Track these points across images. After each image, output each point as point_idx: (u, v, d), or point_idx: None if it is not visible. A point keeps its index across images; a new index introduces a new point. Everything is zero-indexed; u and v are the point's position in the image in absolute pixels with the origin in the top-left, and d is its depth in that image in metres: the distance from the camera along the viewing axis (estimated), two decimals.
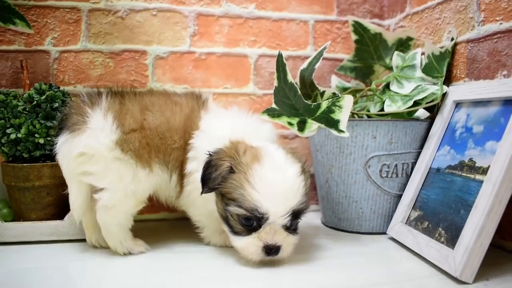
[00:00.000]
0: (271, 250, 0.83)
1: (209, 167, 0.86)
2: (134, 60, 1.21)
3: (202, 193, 0.86)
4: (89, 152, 0.89)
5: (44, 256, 0.93)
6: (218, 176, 0.84)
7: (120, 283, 0.79)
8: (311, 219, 1.23)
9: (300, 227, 0.90)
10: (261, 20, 1.28)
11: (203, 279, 0.81)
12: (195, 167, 0.91)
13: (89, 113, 0.91)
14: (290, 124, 0.96)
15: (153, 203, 1.03)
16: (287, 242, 0.84)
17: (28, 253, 0.94)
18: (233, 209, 0.83)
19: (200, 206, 0.95)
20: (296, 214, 0.85)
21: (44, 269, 0.85)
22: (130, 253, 0.93)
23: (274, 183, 0.82)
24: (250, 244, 0.83)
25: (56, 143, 0.93)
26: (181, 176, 0.95)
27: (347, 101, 0.93)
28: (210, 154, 0.87)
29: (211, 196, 0.89)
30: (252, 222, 0.83)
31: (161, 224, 1.19)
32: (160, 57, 1.22)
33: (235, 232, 0.85)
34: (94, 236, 0.97)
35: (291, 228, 0.85)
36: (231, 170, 0.84)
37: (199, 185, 0.87)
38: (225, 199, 0.85)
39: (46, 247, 0.98)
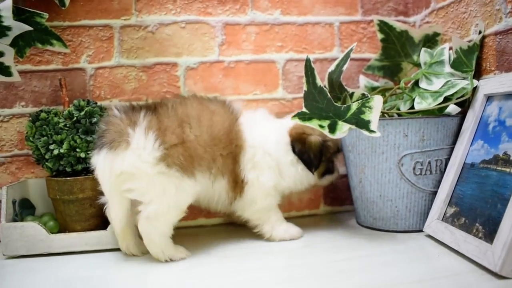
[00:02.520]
0: None
1: (314, 156, 1.07)
2: (166, 72, 1.25)
3: (313, 172, 1.08)
4: (132, 171, 0.91)
5: (89, 265, 0.96)
6: (320, 156, 1.08)
7: None
8: (347, 219, 1.24)
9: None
10: (287, 25, 1.30)
11: (243, 283, 0.83)
12: (255, 176, 1.04)
13: (130, 132, 0.92)
14: (321, 126, 0.97)
15: (190, 211, 1.05)
16: None
17: (74, 263, 0.98)
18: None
19: (261, 201, 1.05)
20: None
21: (90, 278, 0.89)
22: (171, 260, 0.95)
23: None
24: None
25: (92, 158, 0.95)
26: (235, 183, 1.03)
27: (377, 101, 0.93)
28: (299, 147, 1.06)
29: (270, 189, 1.05)
30: None
31: (199, 230, 1.22)
32: (191, 68, 1.25)
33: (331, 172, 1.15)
34: (125, 242, 1.00)
35: None
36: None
37: (262, 186, 1.04)
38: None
39: (91, 256, 1.01)
